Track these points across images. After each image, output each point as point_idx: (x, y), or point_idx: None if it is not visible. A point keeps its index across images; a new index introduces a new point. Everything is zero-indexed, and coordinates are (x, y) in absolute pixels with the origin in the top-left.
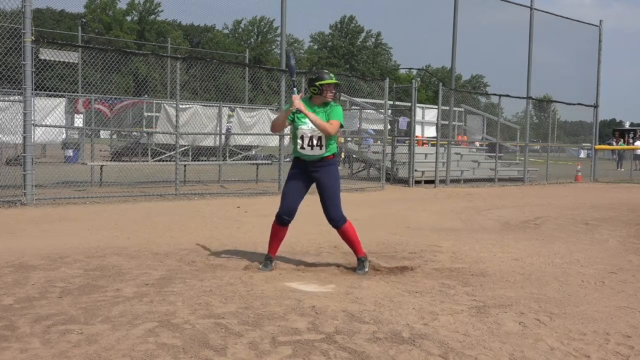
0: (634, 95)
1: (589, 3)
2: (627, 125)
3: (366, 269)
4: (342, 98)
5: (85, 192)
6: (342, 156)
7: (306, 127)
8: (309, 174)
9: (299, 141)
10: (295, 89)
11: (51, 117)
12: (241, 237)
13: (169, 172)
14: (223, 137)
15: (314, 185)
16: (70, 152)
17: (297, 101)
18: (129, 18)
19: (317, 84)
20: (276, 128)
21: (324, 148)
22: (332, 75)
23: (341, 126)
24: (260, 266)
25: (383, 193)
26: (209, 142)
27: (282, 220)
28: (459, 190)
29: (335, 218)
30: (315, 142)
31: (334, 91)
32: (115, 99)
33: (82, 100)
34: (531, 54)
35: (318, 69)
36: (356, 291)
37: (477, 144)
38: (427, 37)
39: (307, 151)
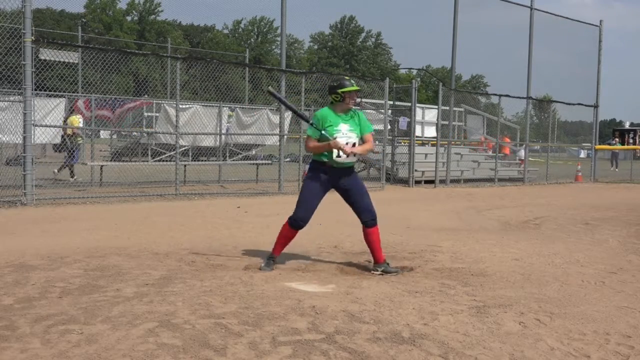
0: (634, 95)
1: (590, 3)
2: (627, 125)
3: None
4: None
5: (85, 192)
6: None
7: (340, 135)
8: (332, 181)
9: (335, 150)
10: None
11: (51, 117)
12: (241, 237)
13: (169, 172)
14: (223, 137)
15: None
16: None
17: (339, 143)
18: (129, 18)
19: (339, 91)
20: (312, 151)
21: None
22: (352, 81)
23: None
24: (262, 265)
25: (383, 193)
26: (208, 142)
27: (298, 225)
28: (459, 190)
29: (375, 213)
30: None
31: (355, 98)
32: (116, 99)
33: (82, 100)
34: (531, 54)
35: (339, 76)
36: (356, 291)
37: (522, 153)
38: (427, 37)
39: (343, 159)
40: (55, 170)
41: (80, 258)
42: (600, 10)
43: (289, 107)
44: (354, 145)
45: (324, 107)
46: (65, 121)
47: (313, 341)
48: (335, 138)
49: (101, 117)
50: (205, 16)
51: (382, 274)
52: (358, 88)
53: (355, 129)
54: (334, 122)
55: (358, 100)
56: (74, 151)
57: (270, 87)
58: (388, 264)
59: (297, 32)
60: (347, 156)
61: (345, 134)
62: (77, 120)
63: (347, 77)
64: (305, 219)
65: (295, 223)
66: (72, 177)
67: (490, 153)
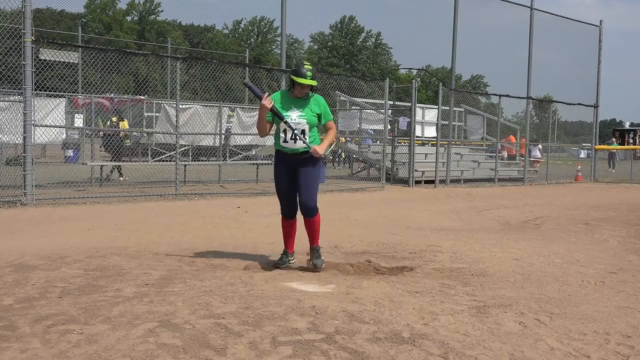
0: (634, 95)
1: (590, 3)
2: (627, 125)
3: (323, 257)
4: (342, 98)
5: (85, 192)
6: (343, 156)
7: (288, 120)
8: (292, 166)
9: (282, 134)
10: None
11: (51, 117)
12: (241, 237)
13: (169, 172)
14: (223, 137)
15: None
16: (70, 152)
17: (267, 102)
18: (129, 18)
19: (291, 77)
20: (262, 132)
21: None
22: (309, 74)
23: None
24: (278, 260)
25: (383, 193)
26: (208, 141)
27: (285, 214)
28: (459, 190)
29: (310, 205)
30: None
31: (305, 92)
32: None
33: (82, 98)
34: (531, 54)
35: (319, 66)
36: (356, 291)
37: (536, 153)
38: (427, 37)
39: (290, 144)
40: (121, 178)
41: (80, 258)
42: (600, 10)
43: (257, 96)
44: (302, 132)
45: (279, 91)
46: (111, 123)
47: (313, 341)
48: (286, 121)
49: (99, 104)
50: (205, 16)
51: (315, 267)
52: (310, 83)
53: (307, 116)
54: (285, 107)
55: (310, 93)
56: (120, 151)
57: (246, 80)
58: (318, 249)
59: (297, 32)
60: (294, 142)
61: (293, 120)
62: (126, 124)
63: (307, 66)
64: (287, 206)
65: (283, 213)
66: (120, 176)
67: (506, 155)
